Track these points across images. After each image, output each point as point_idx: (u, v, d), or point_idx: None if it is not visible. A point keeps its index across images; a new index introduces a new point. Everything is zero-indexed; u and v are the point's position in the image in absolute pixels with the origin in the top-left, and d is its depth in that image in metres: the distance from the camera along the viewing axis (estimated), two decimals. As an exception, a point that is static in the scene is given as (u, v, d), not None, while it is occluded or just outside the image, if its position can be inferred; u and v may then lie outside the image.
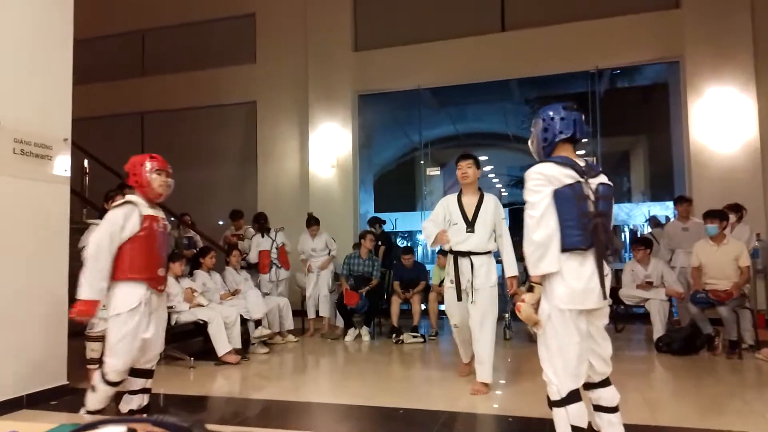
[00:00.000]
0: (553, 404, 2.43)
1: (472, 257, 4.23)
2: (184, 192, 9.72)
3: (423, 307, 6.87)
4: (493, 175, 17.24)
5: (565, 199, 2.36)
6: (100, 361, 4.62)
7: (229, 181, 9.99)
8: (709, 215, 5.49)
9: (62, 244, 4.32)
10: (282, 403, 4.04)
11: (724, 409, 3.71)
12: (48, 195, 4.21)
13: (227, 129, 10.13)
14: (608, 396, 2.52)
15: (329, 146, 9.04)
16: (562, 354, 2.39)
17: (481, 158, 15.18)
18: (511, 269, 4.29)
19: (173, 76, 10.15)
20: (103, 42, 10.41)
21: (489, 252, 4.30)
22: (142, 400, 3.37)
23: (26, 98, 4.07)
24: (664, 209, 9.96)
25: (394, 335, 6.46)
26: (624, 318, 6.70)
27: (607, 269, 2.47)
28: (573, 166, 2.42)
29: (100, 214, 4.91)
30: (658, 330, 5.69)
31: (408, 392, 4.29)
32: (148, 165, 3.17)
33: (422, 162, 10.14)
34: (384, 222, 8.00)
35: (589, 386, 2.53)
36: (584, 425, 2.40)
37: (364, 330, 6.70)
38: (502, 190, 18.70)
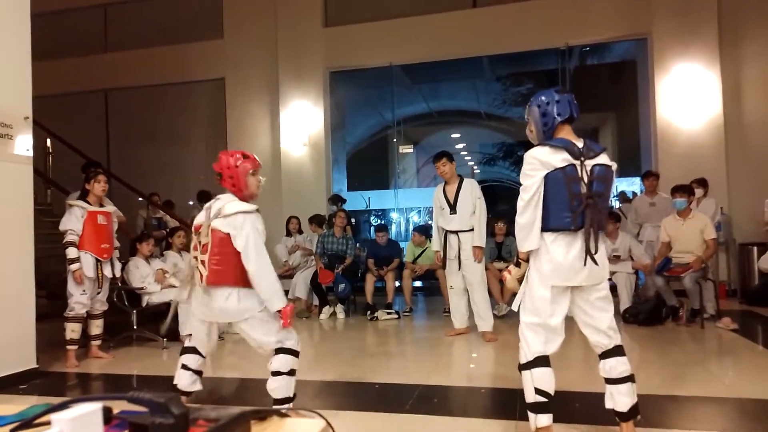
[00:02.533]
0: (521, 367, 2.59)
1: (459, 234, 5.06)
2: (151, 171, 9.58)
3: (397, 284, 6.92)
4: (465, 153, 17.30)
5: (556, 181, 2.45)
6: (78, 342, 4.62)
7: (198, 160, 9.80)
8: (678, 190, 5.64)
9: (27, 226, 4.20)
10: (257, 381, 4.04)
11: (687, 376, 3.85)
12: (10, 175, 4.08)
13: (195, 106, 9.91)
14: (607, 367, 2.63)
15: (301, 124, 8.92)
16: (534, 321, 2.55)
17: (453, 135, 15.20)
18: (478, 240, 5.05)
19: (137, 51, 9.83)
20: (64, 16, 10.01)
21: (472, 229, 5.07)
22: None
23: (-17, 74, 3.91)
24: (632, 185, 10.17)
25: (368, 312, 6.50)
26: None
27: (602, 247, 2.54)
28: (568, 148, 2.48)
29: (82, 194, 4.78)
30: (625, 302, 5.84)
31: (383, 367, 4.34)
32: (242, 167, 3.02)
33: (395, 140, 10.11)
34: (344, 200, 8.01)
35: (600, 358, 2.67)
36: (549, 390, 2.54)
37: (339, 308, 6.72)
38: (475, 167, 18.81)
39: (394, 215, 12.51)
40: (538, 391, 2.51)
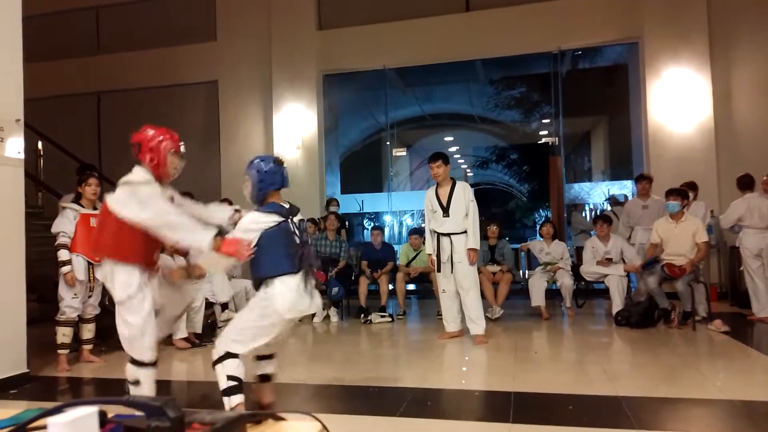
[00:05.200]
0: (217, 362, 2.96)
1: (452, 237, 5.08)
2: (144, 174, 9.51)
3: (390, 287, 6.91)
4: (458, 156, 17.35)
5: (275, 236, 2.93)
6: (70, 346, 4.58)
7: (190, 163, 9.65)
8: (672, 192, 5.67)
9: (18, 229, 4.17)
10: (250, 385, 4.03)
11: (679, 378, 3.88)
12: (1, 178, 4.05)
13: (188, 109, 9.87)
14: (269, 367, 3.20)
15: (294, 127, 8.91)
16: (256, 334, 2.93)
17: (447, 139, 15.24)
18: (471, 242, 5.06)
19: (130, 54, 9.78)
20: (56, 18, 9.95)
21: (465, 231, 5.08)
22: None
23: (-27, 76, 3.88)
24: (623, 188, 10.23)
25: (362, 316, 6.50)
26: (585, 294, 6.90)
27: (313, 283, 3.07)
28: (278, 211, 3.00)
29: (76, 197, 4.77)
30: (617, 304, 5.87)
31: (377, 371, 4.33)
32: (166, 144, 2.92)
33: (388, 143, 10.12)
34: (337, 204, 8.03)
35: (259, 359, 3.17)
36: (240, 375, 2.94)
37: (333, 311, 6.71)
38: (468, 170, 18.88)
39: (387, 218, 12.53)
40: (230, 378, 2.91)
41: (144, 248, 2.93)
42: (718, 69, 7.63)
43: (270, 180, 3.05)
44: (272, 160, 3.12)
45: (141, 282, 2.92)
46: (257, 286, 3.00)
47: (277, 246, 2.93)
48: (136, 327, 2.91)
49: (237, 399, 2.92)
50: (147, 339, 2.95)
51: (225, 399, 2.92)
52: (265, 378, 3.20)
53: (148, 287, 2.96)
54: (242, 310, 3.12)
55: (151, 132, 2.95)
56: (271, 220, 2.94)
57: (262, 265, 2.93)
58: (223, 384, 2.93)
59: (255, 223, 2.92)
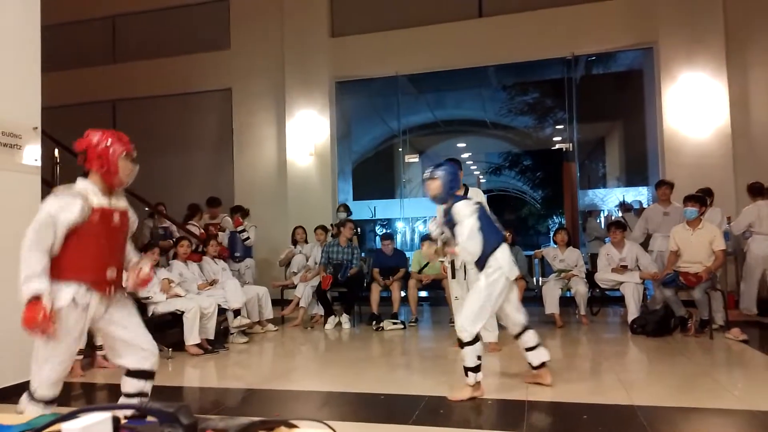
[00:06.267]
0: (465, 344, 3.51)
1: None
2: (157, 181, 9.63)
3: (402, 294, 6.90)
4: (471, 162, 17.31)
5: (483, 216, 3.61)
6: (83, 352, 4.60)
7: (204, 170, 9.84)
8: (690, 199, 5.61)
9: (34, 235, 4.21)
10: (262, 392, 4.04)
11: (696, 387, 3.81)
12: (18, 185, 4.11)
13: (202, 116, 9.97)
14: (542, 354, 3.76)
15: (307, 133, 8.96)
16: (491, 309, 3.63)
17: (459, 145, 15.24)
18: None
19: (145, 62, 9.92)
20: (73, 28, 10.12)
21: None
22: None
23: (-7, 85, 3.95)
24: (638, 194, 10.14)
25: (374, 323, 6.48)
26: (599, 301, 6.83)
27: None
28: (468, 197, 3.76)
29: None
30: (633, 312, 5.80)
31: (388, 378, 4.31)
32: (115, 148, 2.63)
33: (401, 149, 10.13)
34: (350, 212, 8.05)
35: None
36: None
37: (344, 318, 6.71)
38: (481, 176, 18.83)
39: (399, 225, 12.52)
40: (478, 357, 3.52)
41: (91, 264, 2.54)
42: (735, 73, 7.55)
43: (457, 180, 3.70)
44: (453, 163, 3.79)
45: (73, 305, 2.49)
46: (482, 266, 3.54)
47: (489, 223, 3.59)
48: (40, 353, 2.57)
49: (481, 374, 3.50)
50: (47, 372, 2.58)
51: (471, 374, 3.47)
52: (542, 365, 3.72)
53: (85, 312, 2.54)
54: (470, 298, 3.59)
55: (96, 137, 2.67)
56: (474, 202, 3.54)
57: (484, 244, 3.47)
58: (472, 362, 3.47)
59: (468, 208, 3.49)
